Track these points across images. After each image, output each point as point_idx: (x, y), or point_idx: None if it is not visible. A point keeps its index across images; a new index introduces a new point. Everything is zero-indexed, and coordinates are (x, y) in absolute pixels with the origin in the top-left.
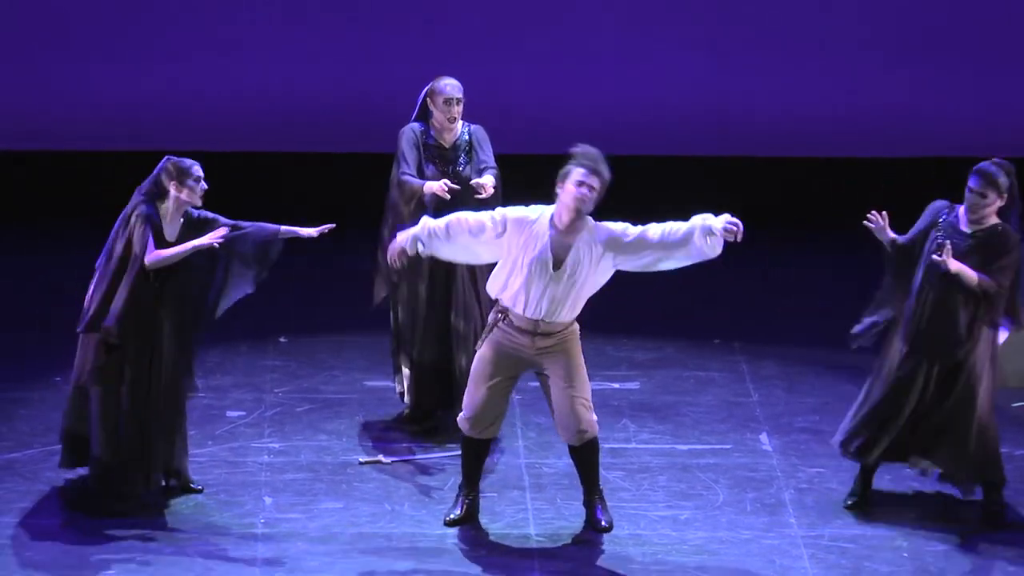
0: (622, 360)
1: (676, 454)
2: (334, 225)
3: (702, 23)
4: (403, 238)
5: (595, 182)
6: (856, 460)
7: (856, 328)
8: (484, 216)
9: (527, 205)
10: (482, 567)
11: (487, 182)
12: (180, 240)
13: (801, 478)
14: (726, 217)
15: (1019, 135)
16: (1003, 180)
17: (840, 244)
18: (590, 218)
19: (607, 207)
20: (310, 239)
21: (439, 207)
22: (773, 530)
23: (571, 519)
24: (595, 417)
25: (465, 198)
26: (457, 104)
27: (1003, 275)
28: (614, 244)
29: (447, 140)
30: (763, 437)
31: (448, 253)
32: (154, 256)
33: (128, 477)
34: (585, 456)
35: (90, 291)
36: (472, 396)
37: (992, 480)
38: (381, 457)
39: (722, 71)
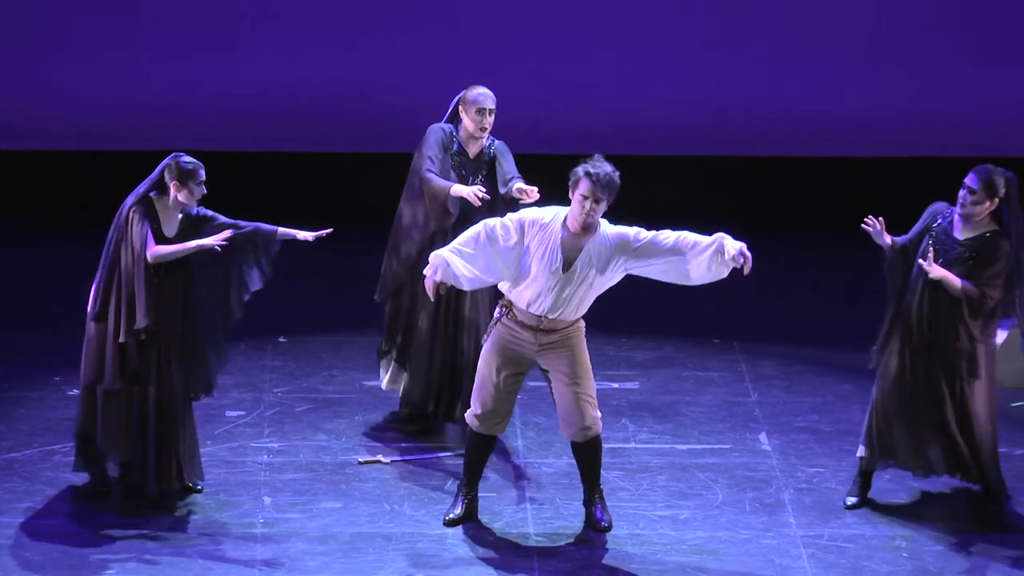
0: (621, 360)
1: (675, 454)
2: (331, 230)
3: (702, 23)
4: (435, 272)
5: (600, 195)
6: (882, 467)
7: (876, 347)
8: (498, 223)
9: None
10: (481, 567)
11: (530, 188)
12: (179, 236)
13: (800, 478)
14: (741, 245)
15: (1019, 135)
16: (999, 183)
17: (840, 244)
18: (603, 220)
19: (608, 208)
20: (306, 242)
21: (465, 213)
22: (772, 530)
23: (570, 519)
24: (599, 414)
25: (490, 209)
26: (489, 115)
27: (990, 285)
28: (625, 247)
29: (472, 150)
30: (762, 437)
31: (471, 272)
32: (155, 251)
33: (141, 477)
34: (588, 454)
35: (95, 285)
36: (480, 392)
37: (991, 481)
38: (380, 457)
39: (722, 71)
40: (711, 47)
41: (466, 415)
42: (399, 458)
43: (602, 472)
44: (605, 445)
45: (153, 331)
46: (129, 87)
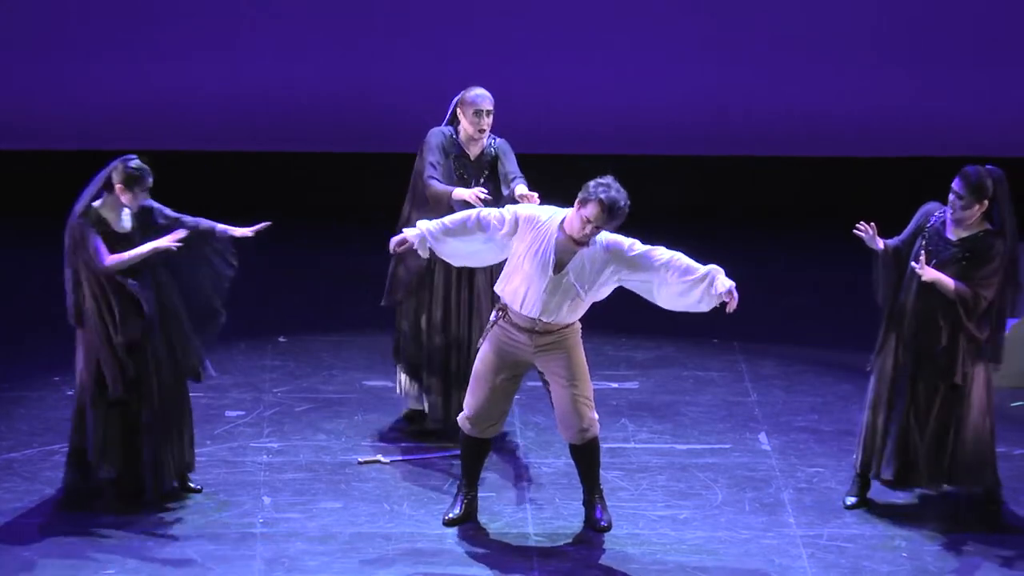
0: (621, 360)
1: (675, 454)
2: (269, 223)
3: (702, 23)
4: (410, 232)
5: (605, 226)
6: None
7: (875, 353)
8: (495, 213)
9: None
10: (481, 567)
11: (531, 194)
12: (135, 230)
13: (800, 478)
14: (731, 284)
15: (1019, 135)
16: (986, 184)
17: (839, 244)
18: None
19: None
20: (245, 238)
21: None
22: (772, 529)
23: (570, 519)
24: (596, 416)
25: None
26: (487, 116)
27: (984, 285)
28: (618, 256)
29: (473, 152)
30: (762, 437)
31: (451, 250)
32: (111, 260)
33: (137, 481)
34: (586, 455)
35: (67, 295)
36: (473, 395)
37: (987, 484)
38: (380, 457)
39: (722, 71)
40: (711, 47)
41: (459, 418)
42: (399, 458)
43: (601, 472)
44: (604, 445)
45: (138, 339)
46: (129, 87)
